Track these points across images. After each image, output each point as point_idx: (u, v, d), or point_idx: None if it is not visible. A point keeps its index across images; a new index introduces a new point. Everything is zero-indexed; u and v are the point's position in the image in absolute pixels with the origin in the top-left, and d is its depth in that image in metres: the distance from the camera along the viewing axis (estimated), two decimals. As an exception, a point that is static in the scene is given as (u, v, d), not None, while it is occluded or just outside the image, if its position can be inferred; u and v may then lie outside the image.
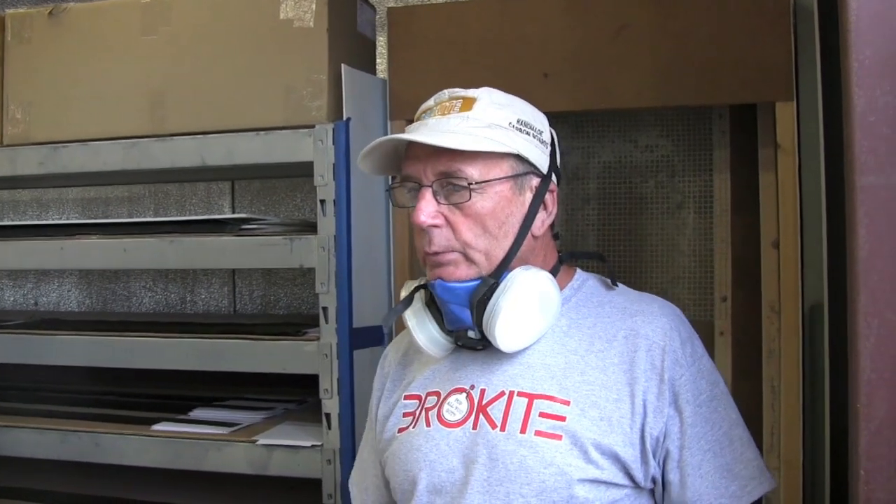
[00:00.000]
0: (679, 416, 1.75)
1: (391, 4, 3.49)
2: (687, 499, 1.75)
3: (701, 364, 1.82)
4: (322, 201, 2.80)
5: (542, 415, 1.73)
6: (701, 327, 2.91)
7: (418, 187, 1.78)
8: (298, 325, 3.03)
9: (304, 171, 2.87)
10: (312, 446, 2.81)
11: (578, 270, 1.97)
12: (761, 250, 2.81)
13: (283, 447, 2.84)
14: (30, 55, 3.23)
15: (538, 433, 1.72)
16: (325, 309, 2.81)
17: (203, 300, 3.87)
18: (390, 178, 1.93)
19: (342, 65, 2.85)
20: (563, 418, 1.72)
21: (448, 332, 1.84)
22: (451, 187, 1.75)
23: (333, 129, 2.79)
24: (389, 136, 1.79)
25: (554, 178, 1.88)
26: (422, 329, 1.85)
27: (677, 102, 2.79)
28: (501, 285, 1.75)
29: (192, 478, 3.05)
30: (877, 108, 1.49)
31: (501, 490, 1.72)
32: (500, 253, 1.78)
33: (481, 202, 1.75)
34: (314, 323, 2.94)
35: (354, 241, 2.83)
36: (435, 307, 1.84)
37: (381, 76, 3.17)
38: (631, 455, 1.72)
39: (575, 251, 2.09)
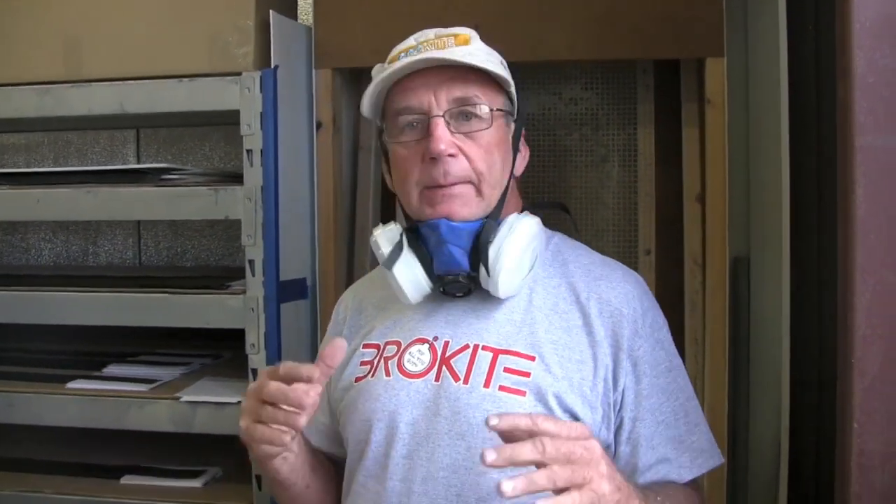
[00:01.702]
0: (635, 387, 1.75)
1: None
2: (637, 467, 1.74)
3: (660, 335, 1.83)
4: (249, 151, 2.72)
5: (506, 370, 1.72)
6: None
7: (425, 118, 1.75)
8: (216, 278, 2.95)
9: (227, 119, 2.80)
10: (238, 402, 2.73)
11: (538, 223, 1.90)
12: (684, 204, 2.84)
13: (208, 404, 2.78)
14: (-68, -4, 3.07)
15: (502, 388, 1.70)
16: (251, 262, 2.74)
17: (106, 252, 3.75)
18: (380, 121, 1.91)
19: (271, 11, 2.77)
20: (527, 374, 1.71)
21: (434, 276, 1.80)
22: (465, 115, 1.75)
23: (261, 77, 2.72)
24: (417, 58, 1.75)
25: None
26: (407, 272, 1.80)
27: (607, 56, 2.80)
28: (504, 228, 1.75)
29: (110, 436, 2.98)
30: (876, 69, 1.52)
31: (463, 444, 1.70)
32: (499, 190, 1.79)
33: (490, 132, 1.76)
34: (228, 276, 2.90)
35: (281, 192, 2.77)
36: (421, 249, 1.80)
37: (303, 23, 3.09)
38: (589, 417, 1.71)
39: (537, 201, 2.12)
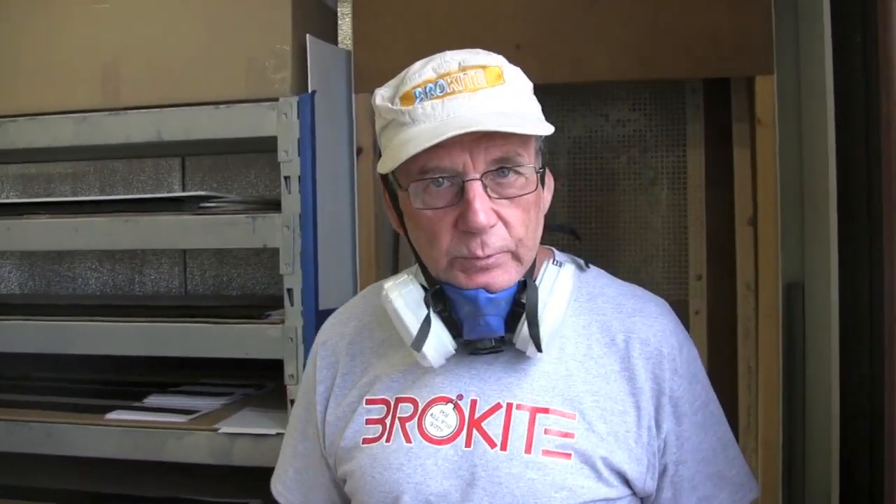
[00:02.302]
0: (677, 429, 1.62)
1: (353, -27, 3.36)
2: None
3: (694, 367, 1.69)
4: (286, 178, 2.69)
5: (547, 431, 1.55)
6: (675, 306, 2.87)
7: (460, 181, 1.50)
8: (259, 307, 2.91)
9: (259, 145, 2.78)
10: (277, 434, 2.69)
11: (553, 249, 1.76)
12: (736, 227, 2.77)
13: (246, 435, 2.74)
14: (-26, 26, 3.08)
15: (546, 452, 1.54)
16: (290, 291, 2.70)
17: (152, 281, 3.74)
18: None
19: (307, 35, 2.73)
20: (571, 435, 1.55)
21: (464, 341, 1.59)
22: (503, 175, 1.51)
23: (298, 103, 2.68)
24: (459, 131, 1.45)
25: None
26: (435, 341, 1.58)
27: (652, 76, 2.72)
28: (544, 290, 1.57)
29: (150, 468, 2.93)
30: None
31: None
32: (536, 247, 1.60)
33: (527, 189, 1.53)
34: (272, 305, 2.85)
35: (320, 220, 2.72)
36: (447, 314, 1.59)
37: (344, 47, 3.05)
38: (636, 472, 1.58)
39: (548, 225, 1.69)
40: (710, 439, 1.67)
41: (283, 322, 2.72)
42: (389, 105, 1.57)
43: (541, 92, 2.98)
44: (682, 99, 2.95)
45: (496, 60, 1.58)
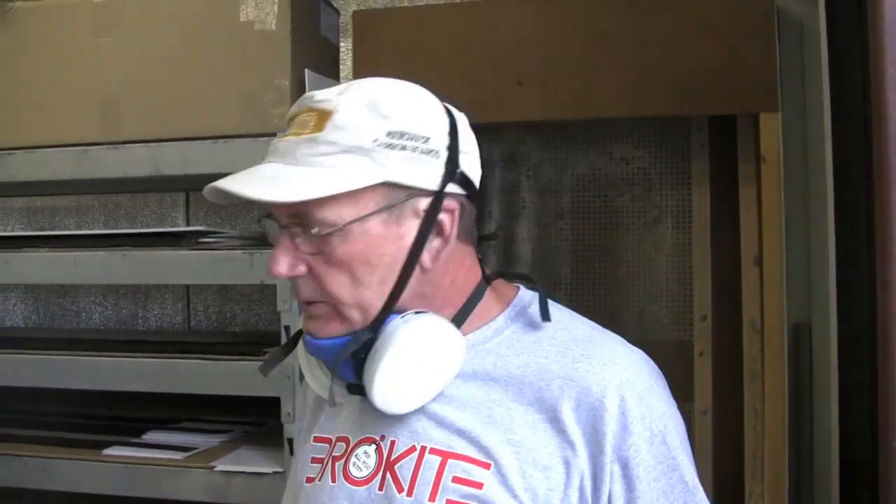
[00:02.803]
0: (627, 494, 1.43)
1: (355, 7, 3.35)
2: None
3: (659, 425, 1.46)
4: (284, 214, 2.65)
5: (455, 480, 1.43)
6: (680, 347, 2.89)
7: (277, 228, 1.46)
8: (258, 343, 2.89)
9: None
10: (274, 473, 2.67)
11: (521, 291, 1.62)
12: (742, 267, 2.74)
13: (243, 474, 2.70)
14: (-27, 59, 3.08)
15: (450, 502, 1.43)
16: (286, 328, 2.66)
17: (156, 316, 3.73)
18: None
19: (306, 70, 2.71)
20: (479, 485, 1.42)
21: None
22: (305, 234, 1.42)
23: (298, 137, 2.64)
24: (212, 185, 1.44)
25: (457, 189, 1.48)
26: (313, 376, 1.58)
27: (656, 113, 2.71)
28: (379, 340, 1.44)
29: (146, 504, 2.92)
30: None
31: None
32: (377, 302, 1.45)
33: (344, 247, 1.41)
34: (274, 341, 2.79)
35: (318, 256, 2.68)
36: None
37: (343, 81, 3.03)
38: None
39: (503, 270, 1.72)
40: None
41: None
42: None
43: (545, 128, 3.01)
44: (687, 137, 2.93)
45: (334, 104, 1.43)
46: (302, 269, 1.43)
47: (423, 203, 1.43)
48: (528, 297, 1.60)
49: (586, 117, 2.75)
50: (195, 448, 2.90)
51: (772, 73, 2.54)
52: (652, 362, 1.55)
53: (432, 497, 1.43)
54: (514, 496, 1.40)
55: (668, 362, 2.86)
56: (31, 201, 3.91)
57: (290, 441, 2.63)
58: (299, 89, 2.70)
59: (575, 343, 1.50)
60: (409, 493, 1.44)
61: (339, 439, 1.57)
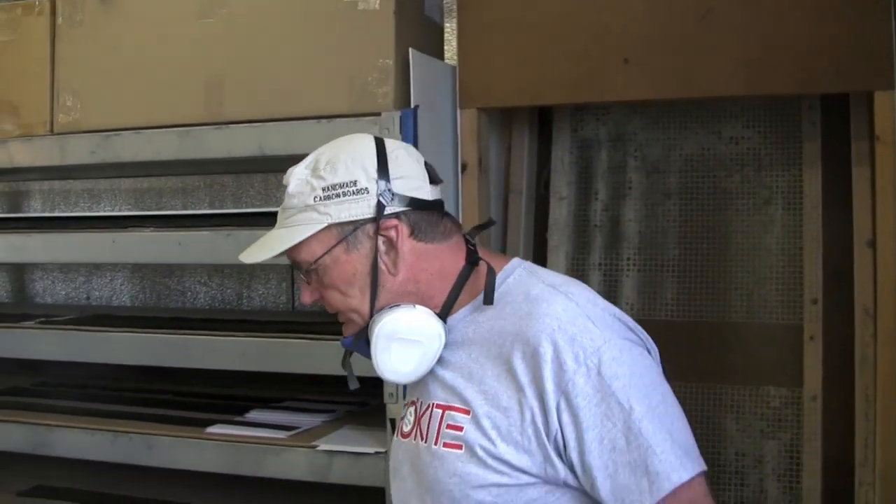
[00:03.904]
0: (573, 423, 1.70)
1: (461, -13, 3.33)
2: (602, 499, 1.70)
3: (594, 359, 1.72)
4: (388, 193, 2.65)
5: (448, 426, 1.81)
6: (789, 332, 2.82)
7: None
8: (361, 323, 2.88)
9: (368, 161, 2.72)
10: (376, 453, 2.68)
11: (511, 263, 1.93)
12: (854, 250, 2.66)
13: (345, 453, 2.72)
14: (81, 40, 3.12)
15: (445, 444, 1.80)
16: (391, 308, 2.66)
17: (260, 296, 3.77)
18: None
19: (410, 49, 2.71)
20: (460, 428, 1.79)
21: None
22: (304, 273, 1.90)
23: (401, 117, 2.65)
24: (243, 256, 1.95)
25: (397, 208, 1.86)
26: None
27: (766, 91, 2.64)
28: (372, 333, 1.87)
29: (248, 483, 2.95)
30: None
31: (428, 498, 1.83)
32: (364, 307, 1.88)
33: (326, 275, 1.88)
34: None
35: (423, 236, 2.67)
36: None
37: (450, 63, 3.02)
38: (528, 463, 1.74)
39: (474, 227, 2.07)
40: (620, 428, 1.69)
41: (382, 340, 2.67)
42: None
43: (652, 107, 2.96)
44: (798, 116, 2.86)
45: (287, 180, 1.90)
46: (316, 295, 1.92)
47: (370, 228, 1.86)
48: (512, 267, 1.92)
49: (694, 96, 2.69)
50: (298, 427, 2.92)
51: (887, 49, 2.46)
52: (592, 305, 1.81)
53: (436, 441, 1.82)
54: (485, 434, 1.75)
55: (777, 346, 2.83)
56: (138, 182, 3.96)
57: (393, 421, 2.64)
58: (404, 69, 2.71)
59: (525, 303, 1.82)
60: (425, 441, 1.84)
61: (405, 404, 2.01)
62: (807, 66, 2.52)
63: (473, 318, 1.87)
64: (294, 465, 2.77)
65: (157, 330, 3.03)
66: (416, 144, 2.64)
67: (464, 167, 2.82)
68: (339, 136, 2.65)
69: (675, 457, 1.68)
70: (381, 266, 1.87)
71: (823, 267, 2.81)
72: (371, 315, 1.87)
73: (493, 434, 1.75)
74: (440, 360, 1.87)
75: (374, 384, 2.67)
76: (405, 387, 2.23)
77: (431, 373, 1.88)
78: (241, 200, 3.73)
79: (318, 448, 2.75)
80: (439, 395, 1.85)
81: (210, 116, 2.89)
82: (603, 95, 2.76)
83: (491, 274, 1.88)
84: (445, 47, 3.19)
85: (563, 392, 1.70)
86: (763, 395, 2.85)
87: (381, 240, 1.86)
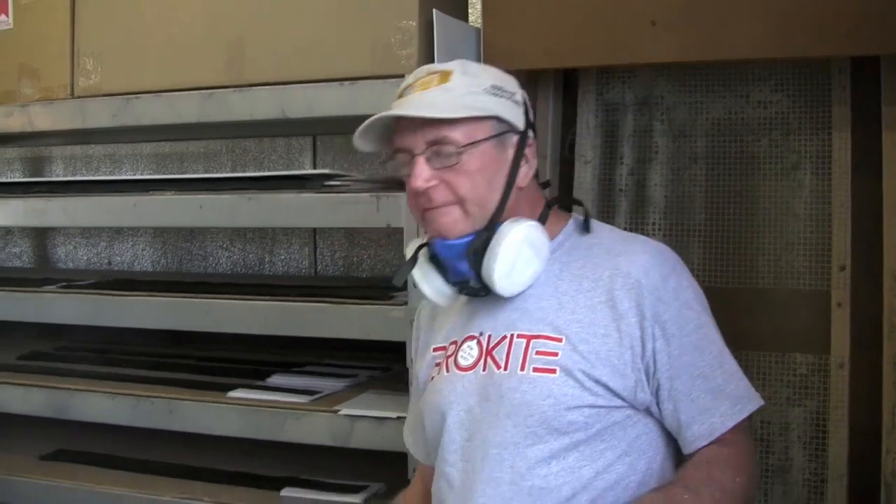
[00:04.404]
0: (666, 349, 1.90)
1: (485, -54, 3.30)
2: (681, 422, 1.91)
3: (686, 296, 1.96)
4: (412, 156, 2.63)
5: (538, 353, 1.91)
6: (816, 298, 2.79)
7: (412, 157, 1.93)
8: (385, 289, 2.87)
9: (390, 124, 2.69)
10: (398, 417, 2.66)
11: (574, 216, 2.10)
12: (884, 216, 2.63)
13: (367, 418, 2.72)
14: (102, 3, 3.11)
15: (535, 369, 1.90)
16: (413, 272, 2.64)
17: (282, 261, 3.76)
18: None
19: (434, 10, 2.68)
20: (555, 354, 1.90)
21: (452, 283, 2.01)
22: (441, 153, 1.91)
23: (425, 79, 2.60)
24: (379, 115, 1.94)
25: (531, 133, 2.02)
26: (428, 283, 2.02)
27: (795, 54, 2.60)
28: (495, 237, 1.91)
29: (269, 447, 2.95)
30: None
31: (509, 423, 1.90)
32: (491, 205, 1.94)
33: (470, 162, 1.91)
34: (400, 286, 2.77)
35: (446, 200, 2.65)
36: (438, 261, 2.01)
37: (474, 25, 2.99)
38: (621, 385, 1.89)
39: (557, 197, 2.37)
40: (706, 358, 1.93)
41: (406, 304, 2.67)
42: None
43: (678, 70, 2.92)
44: (827, 79, 2.80)
45: (451, 66, 1.98)
46: (435, 181, 1.90)
47: (515, 139, 1.98)
48: (578, 221, 2.08)
49: (722, 59, 2.66)
50: (320, 392, 2.93)
51: (919, 11, 2.42)
52: (674, 253, 2.03)
53: (522, 367, 1.91)
54: (584, 358, 1.89)
55: (804, 313, 2.80)
56: (160, 147, 3.96)
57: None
58: (427, 31, 2.68)
59: (616, 244, 2.01)
60: (505, 368, 1.93)
61: (450, 343, 2.07)
62: (837, 29, 2.47)
63: (557, 258, 1.99)
64: (315, 429, 2.77)
65: (178, 294, 3.02)
66: (440, 106, 2.61)
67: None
68: (361, 99, 2.69)
69: (748, 388, 1.96)
70: (518, 175, 1.97)
71: (852, 233, 2.76)
72: (495, 216, 1.92)
73: (591, 358, 1.88)
74: (520, 294, 1.96)
75: (395, 348, 2.67)
76: (429, 332, 2.19)
77: (507, 306, 1.98)
78: (263, 165, 3.71)
79: (339, 413, 2.74)
80: (521, 326, 1.95)
81: (231, 79, 2.87)
82: (629, 58, 2.73)
83: (586, 214, 2.05)
84: (470, 9, 3.16)
85: (659, 321, 1.89)
86: (789, 362, 2.81)
87: (527, 151, 1.99)
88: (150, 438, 3.17)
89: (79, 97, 3.12)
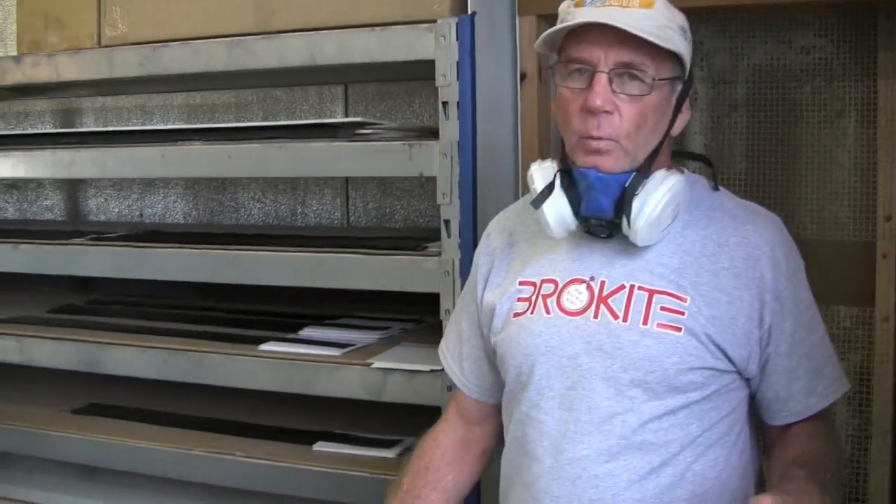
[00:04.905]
0: (781, 324, 1.88)
1: None
2: (780, 396, 1.92)
3: (800, 275, 1.95)
4: (444, 103, 2.59)
5: (662, 308, 1.85)
6: (861, 249, 2.72)
7: (591, 72, 1.82)
8: (417, 238, 2.83)
9: (422, 71, 2.65)
10: (431, 371, 2.63)
11: (685, 171, 2.00)
12: (930, 164, 2.56)
13: (400, 371, 2.68)
14: (128, -52, 3.06)
15: (660, 325, 1.84)
16: (447, 222, 2.61)
17: (314, 212, 3.72)
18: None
19: (468, -47, 2.61)
20: (682, 313, 1.85)
21: (578, 217, 1.90)
22: (629, 78, 1.81)
23: (457, 25, 2.56)
24: (587, 19, 1.80)
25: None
26: (555, 210, 1.90)
27: (840, -3, 2.52)
28: (651, 184, 1.85)
29: (301, 400, 2.92)
30: None
31: (626, 377, 1.84)
32: (649, 149, 1.87)
33: (651, 98, 1.82)
34: (434, 237, 2.75)
35: (480, 148, 2.62)
36: (571, 191, 1.90)
37: (508, -33, 2.92)
38: (737, 354, 1.86)
39: (680, 150, 2.23)
40: (812, 338, 1.93)
41: (439, 255, 2.63)
42: (565, 7, 1.89)
43: (718, 14, 2.85)
44: (873, 24, 2.72)
45: None
46: (610, 106, 1.80)
47: (679, 86, 1.89)
48: (692, 176, 2.01)
49: (764, 3, 2.59)
50: (352, 345, 2.89)
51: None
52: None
53: (644, 321, 1.84)
54: (709, 321, 1.84)
55: (848, 264, 2.74)
56: (190, 98, 3.93)
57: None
58: (462, -26, 2.61)
59: (739, 210, 1.97)
60: (625, 319, 1.86)
61: (544, 281, 1.96)
62: (885, -31, 2.41)
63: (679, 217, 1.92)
64: (348, 382, 2.74)
65: (209, 246, 2.99)
66: (472, 53, 2.58)
67: (522, 77, 2.72)
68: (392, 45, 2.63)
69: (840, 371, 1.98)
70: (676, 123, 1.92)
71: (898, 182, 2.70)
72: (649, 160, 1.86)
73: (715, 323, 1.84)
74: (643, 247, 1.90)
75: (430, 299, 2.62)
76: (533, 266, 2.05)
77: (625, 255, 1.91)
78: (294, 115, 3.67)
79: (372, 366, 2.71)
80: (641, 278, 1.88)
81: (259, 26, 2.83)
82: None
83: (714, 172, 2.04)
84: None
85: (779, 297, 1.87)
86: (833, 315, 2.76)
87: (684, 101, 1.93)
88: (181, 392, 3.16)
89: (106, 46, 3.08)
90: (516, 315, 1.97)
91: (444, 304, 2.60)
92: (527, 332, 1.94)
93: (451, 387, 2.54)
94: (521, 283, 2.00)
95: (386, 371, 2.69)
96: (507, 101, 2.73)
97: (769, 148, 2.85)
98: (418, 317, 3.19)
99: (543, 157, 2.64)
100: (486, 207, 2.62)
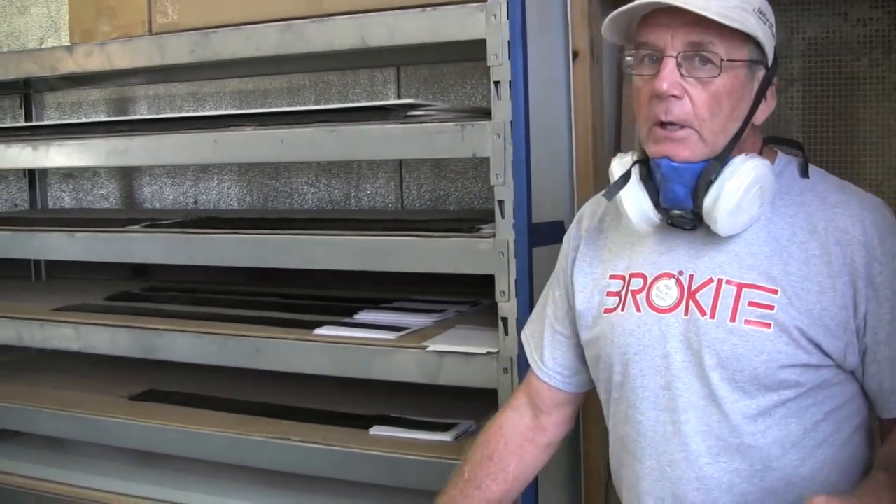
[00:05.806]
0: (878, 311, 1.81)
1: None
2: (884, 388, 1.84)
3: None
4: (496, 83, 2.55)
5: (750, 304, 1.81)
6: None
7: (659, 56, 1.80)
8: (471, 220, 2.82)
9: (475, 52, 2.62)
10: (487, 353, 2.61)
11: (780, 154, 1.98)
12: None
13: (456, 354, 2.65)
14: (177, -63, 3.07)
15: (747, 322, 1.81)
16: (500, 203, 2.58)
17: (368, 196, 3.72)
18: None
19: (518, -69, 2.58)
20: (771, 307, 1.80)
21: (659, 209, 1.88)
22: (699, 60, 1.77)
23: (508, 3, 2.53)
24: (649, 0, 1.76)
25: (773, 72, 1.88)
26: (635, 203, 1.88)
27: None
28: (728, 170, 1.79)
29: (356, 385, 2.93)
30: None
31: (715, 376, 1.82)
32: (727, 135, 1.81)
33: (723, 81, 1.77)
34: (489, 218, 2.72)
35: (533, 128, 2.58)
36: (650, 182, 1.87)
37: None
38: (832, 346, 1.80)
39: (775, 136, 2.06)
40: None
41: (493, 236, 2.61)
42: None
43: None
44: (933, -6, 2.69)
45: None
46: (680, 90, 1.77)
47: (762, 72, 1.83)
48: (785, 159, 1.96)
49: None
50: (407, 328, 2.88)
51: None
52: (890, 210, 1.90)
53: (732, 318, 1.81)
54: (801, 314, 1.78)
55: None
56: (243, 83, 3.94)
57: (505, 320, 2.58)
58: (512, -48, 2.58)
59: (832, 193, 1.88)
60: (712, 316, 1.83)
61: (633, 276, 1.95)
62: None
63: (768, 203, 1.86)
64: (403, 366, 2.72)
65: (264, 231, 2.98)
66: (524, 31, 2.54)
67: (575, 55, 2.70)
68: (442, 25, 2.61)
69: None
70: (758, 111, 1.86)
71: (960, 156, 2.67)
72: (728, 147, 1.81)
73: (808, 315, 1.79)
74: (731, 235, 1.85)
75: (485, 282, 2.60)
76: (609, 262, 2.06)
77: (713, 246, 1.87)
78: (347, 98, 3.67)
79: (427, 349, 2.69)
80: (730, 271, 1.85)
81: (310, 10, 2.82)
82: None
83: (804, 156, 1.96)
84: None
85: (873, 283, 1.80)
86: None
87: (769, 88, 1.87)
88: (238, 378, 3.18)
89: (156, 33, 3.10)
90: (607, 311, 1.97)
91: (500, 285, 2.58)
92: (619, 331, 1.94)
93: (506, 369, 2.54)
94: (611, 277, 1.99)
95: (441, 354, 2.66)
96: (560, 79, 2.74)
97: (826, 123, 2.82)
98: (474, 299, 3.17)
99: (596, 134, 2.65)
100: (540, 187, 2.60)
